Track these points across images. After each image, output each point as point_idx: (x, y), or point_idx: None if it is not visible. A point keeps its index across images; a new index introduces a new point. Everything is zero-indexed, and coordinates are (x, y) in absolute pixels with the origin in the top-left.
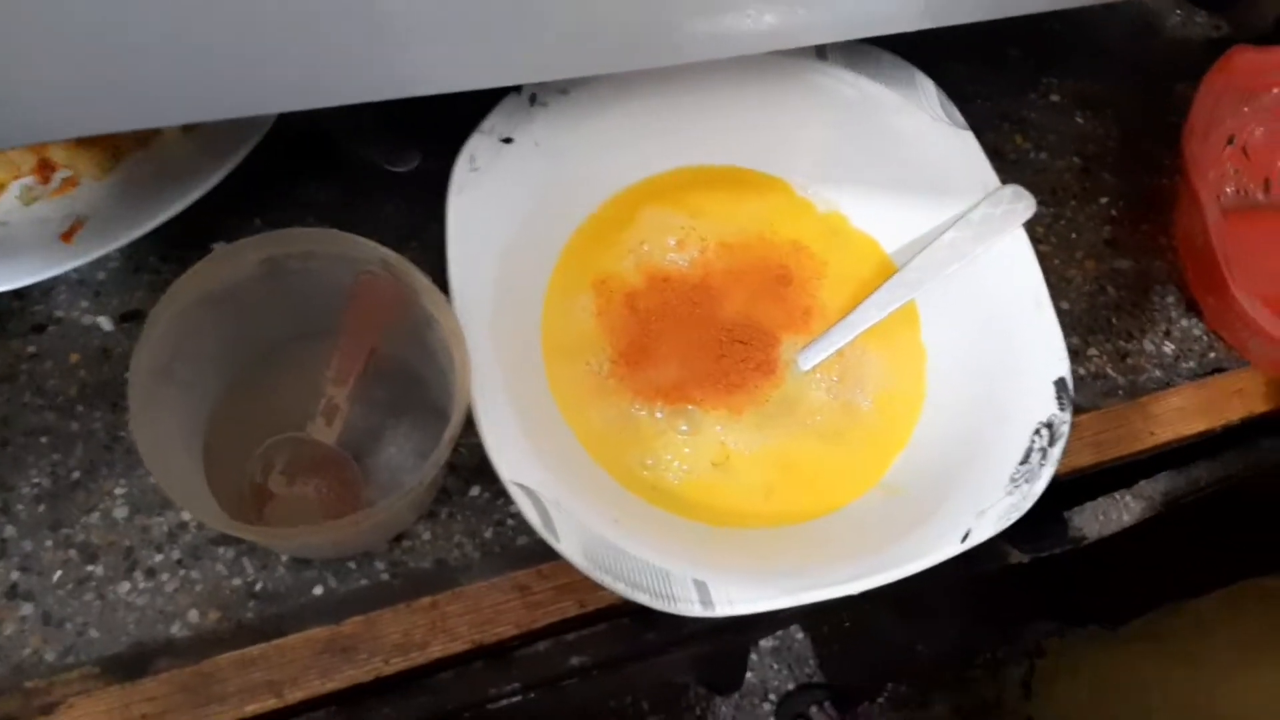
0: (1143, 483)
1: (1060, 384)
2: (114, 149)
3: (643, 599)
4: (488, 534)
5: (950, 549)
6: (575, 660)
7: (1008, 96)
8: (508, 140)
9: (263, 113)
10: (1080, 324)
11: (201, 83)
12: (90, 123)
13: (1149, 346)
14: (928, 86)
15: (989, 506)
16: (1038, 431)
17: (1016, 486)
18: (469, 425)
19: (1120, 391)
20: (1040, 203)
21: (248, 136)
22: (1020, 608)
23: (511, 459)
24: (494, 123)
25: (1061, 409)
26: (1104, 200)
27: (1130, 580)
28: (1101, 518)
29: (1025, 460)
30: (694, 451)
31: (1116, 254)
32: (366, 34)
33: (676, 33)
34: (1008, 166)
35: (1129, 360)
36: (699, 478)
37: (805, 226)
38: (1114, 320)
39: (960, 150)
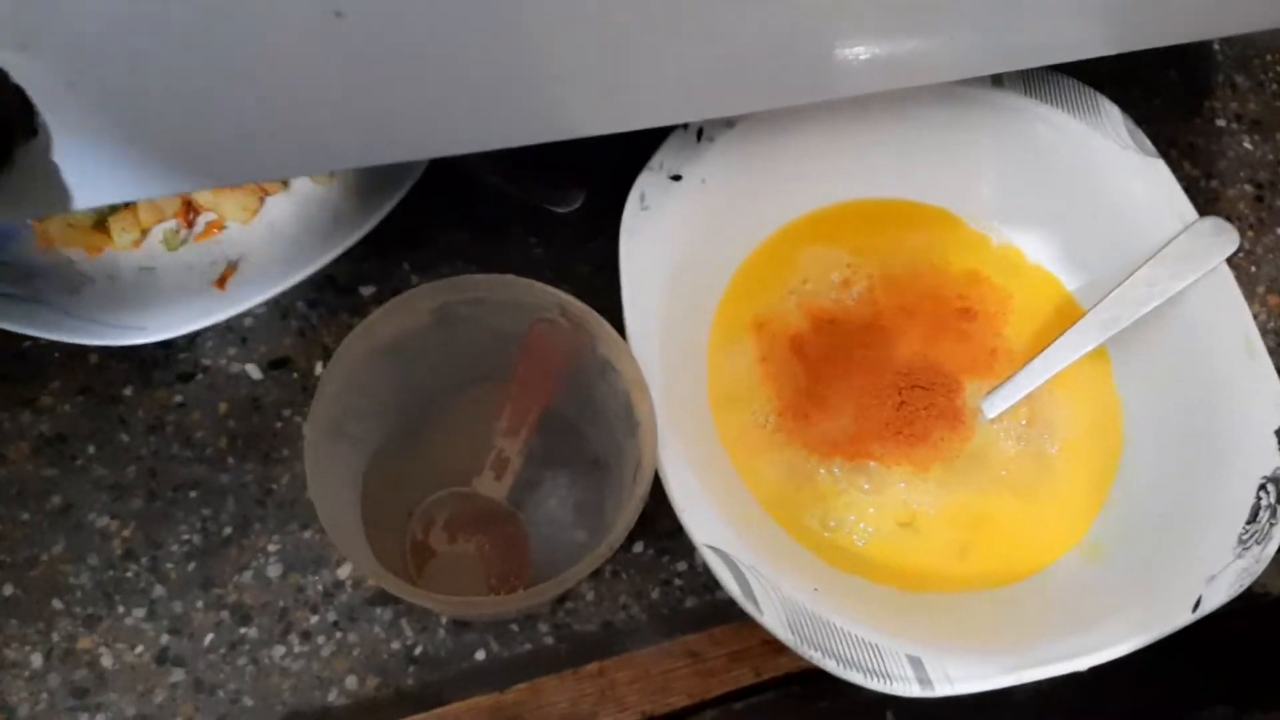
0: None
1: None
2: (259, 191)
3: (855, 678)
4: (655, 594)
5: (1181, 618)
6: None
7: (1171, 122)
8: (676, 178)
9: (425, 157)
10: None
11: (365, 129)
12: (250, 171)
13: None
14: (1113, 112)
15: (1219, 571)
16: (1263, 487)
17: (1246, 548)
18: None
19: None
20: None
21: (401, 180)
22: (1192, 686)
23: (701, 519)
24: (663, 159)
25: None
26: None
27: None
28: None
29: (1253, 519)
30: (878, 511)
31: None
32: (531, 77)
33: (846, 65)
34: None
35: None
36: (886, 539)
37: (982, 259)
38: None
39: (1151, 180)
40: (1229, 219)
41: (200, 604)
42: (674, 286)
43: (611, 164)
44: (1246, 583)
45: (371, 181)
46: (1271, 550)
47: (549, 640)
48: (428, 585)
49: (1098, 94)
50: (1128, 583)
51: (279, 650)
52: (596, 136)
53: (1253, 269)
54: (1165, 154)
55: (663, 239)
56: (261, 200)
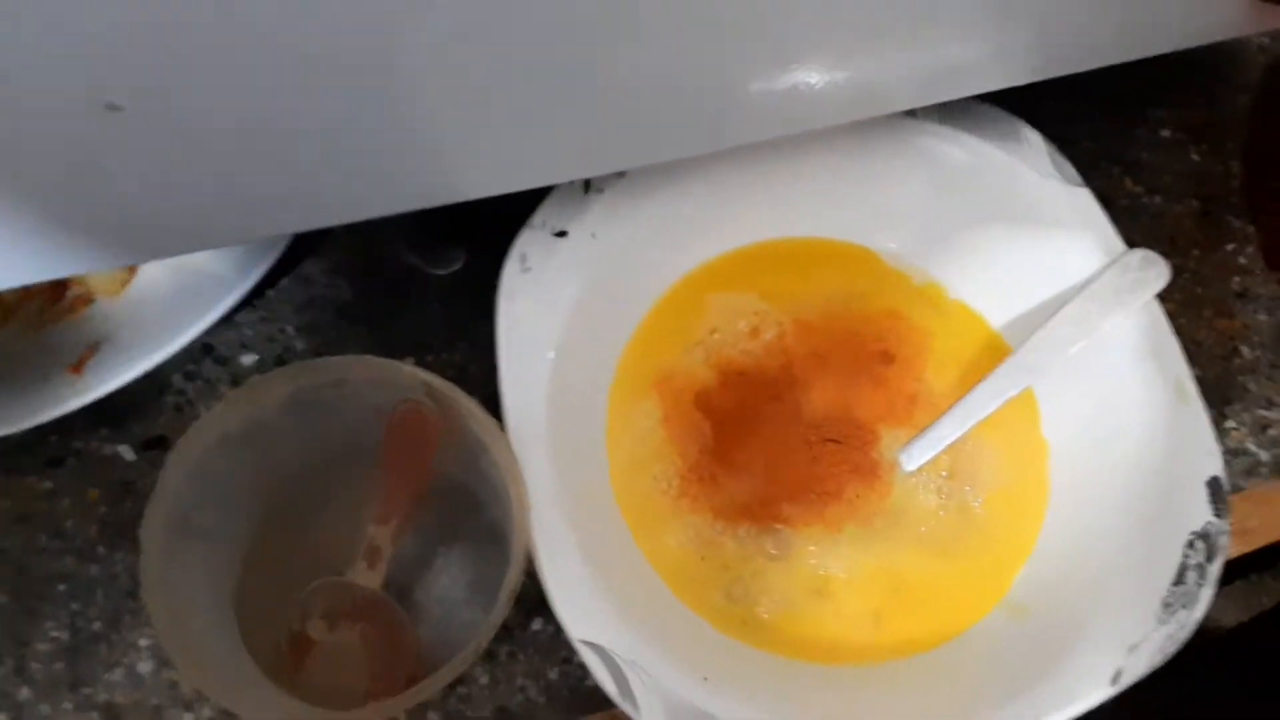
0: None
1: (1214, 485)
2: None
3: None
4: (553, 675)
5: (1099, 693)
6: None
7: (1112, 135)
8: (561, 234)
9: (293, 231)
10: (1214, 393)
11: (227, 209)
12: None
13: None
14: (1034, 139)
15: (1141, 640)
16: (1191, 544)
17: (1171, 613)
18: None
19: (1263, 469)
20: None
21: (275, 242)
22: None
23: (579, 610)
24: (545, 216)
25: (1218, 515)
26: (1230, 247)
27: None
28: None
29: (1179, 580)
30: (787, 579)
31: (1249, 308)
32: (402, 145)
33: (747, 111)
34: (1119, 214)
35: (1270, 431)
36: (796, 609)
37: (901, 298)
38: (1251, 386)
39: (1075, 210)
40: (1174, 238)
41: (69, 705)
42: (566, 349)
43: (505, 217)
44: (1171, 651)
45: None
46: (1198, 616)
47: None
48: (309, 678)
49: (1017, 120)
50: (1046, 648)
51: None
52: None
53: (1198, 290)
54: (1106, 170)
55: (549, 299)
56: (133, 271)
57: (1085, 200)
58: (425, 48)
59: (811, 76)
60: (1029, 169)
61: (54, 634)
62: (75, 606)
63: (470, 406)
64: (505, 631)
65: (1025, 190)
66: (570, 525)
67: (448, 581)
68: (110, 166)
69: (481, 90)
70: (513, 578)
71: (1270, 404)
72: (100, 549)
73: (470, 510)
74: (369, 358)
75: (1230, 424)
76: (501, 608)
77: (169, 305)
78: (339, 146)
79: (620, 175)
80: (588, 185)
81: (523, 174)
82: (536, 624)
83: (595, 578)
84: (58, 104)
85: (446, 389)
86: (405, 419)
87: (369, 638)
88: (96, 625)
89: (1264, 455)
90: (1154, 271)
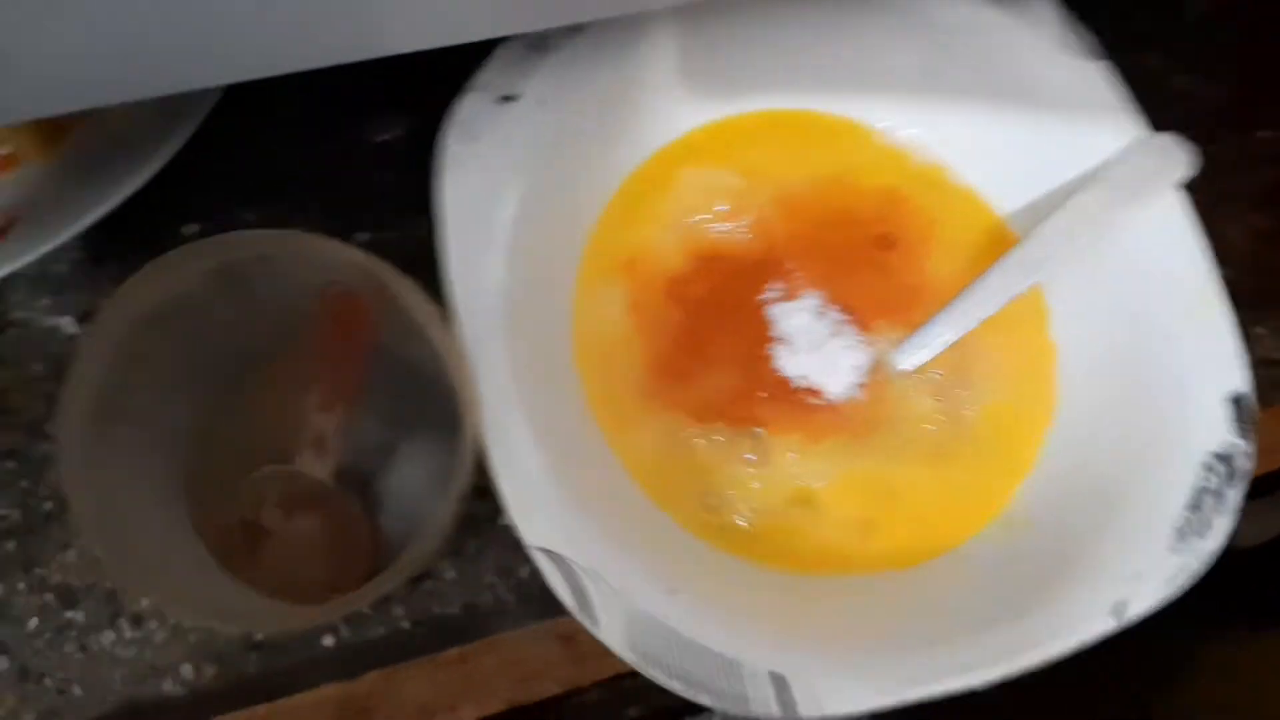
0: None
1: (1238, 402)
2: (57, 124)
3: (705, 700)
4: (524, 573)
5: (1099, 625)
6: (632, 712)
7: (1133, 4)
8: (508, 98)
9: (212, 83)
10: (1243, 296)
11: (145, 56)
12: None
13: None
14: (1045, 4)
15: (1148, 568)
16: (1209, 466)
17: (1184, 541)
18: None
19: None
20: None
21: (204, 100)
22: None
23: (536, 513)
24: (489, 77)
25: (1241, 435)
26: (1266, 134)
27: None
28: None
29: (1195, 506)
30: (765, 486)
31: None
32: None
33: None
34: (1137, 94)
35: None
36: (776, 519)
37: (901, 177)
38: None
39: (1092, 87)
40: (1201, 121)
41: (22, 586)
42: (525, 230)
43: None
44: (1183, 584)
45: (178, 100)
46: (1213, 546)
47: (406, 625)
48: (264, 566)
49: None
50: (1045, 568)
51: (108, 636)
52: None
53: (1229, 180)
54: (1132, 47)
55: (498, 172)
56: (61, 132)
57: (1103, 76)
58: None
59: None
60: (1040, 39)
61: (3, 512)
62: (25, 484)
63: (405, 289)
64: (473, 525)
65: (1034, 63)
66: (529, 422)
67: (409, 471)
68: None
69: None
70: (460, 479)
71: None
72: (48, 426)
73: (431, 395)
74: (295, 232)
75: (1260, 330)
76: (447, 510)
77: (101, 167)
78: None
79: (576, 30)
80: (537, 43)
81: (457, 24)
82: (506, 519)
83: (556, 479)
84: None
85: (378, 270)
86: (336, 302)
87: (326, 528)
88: (48, 505)
89: None
90: (1177, 157)
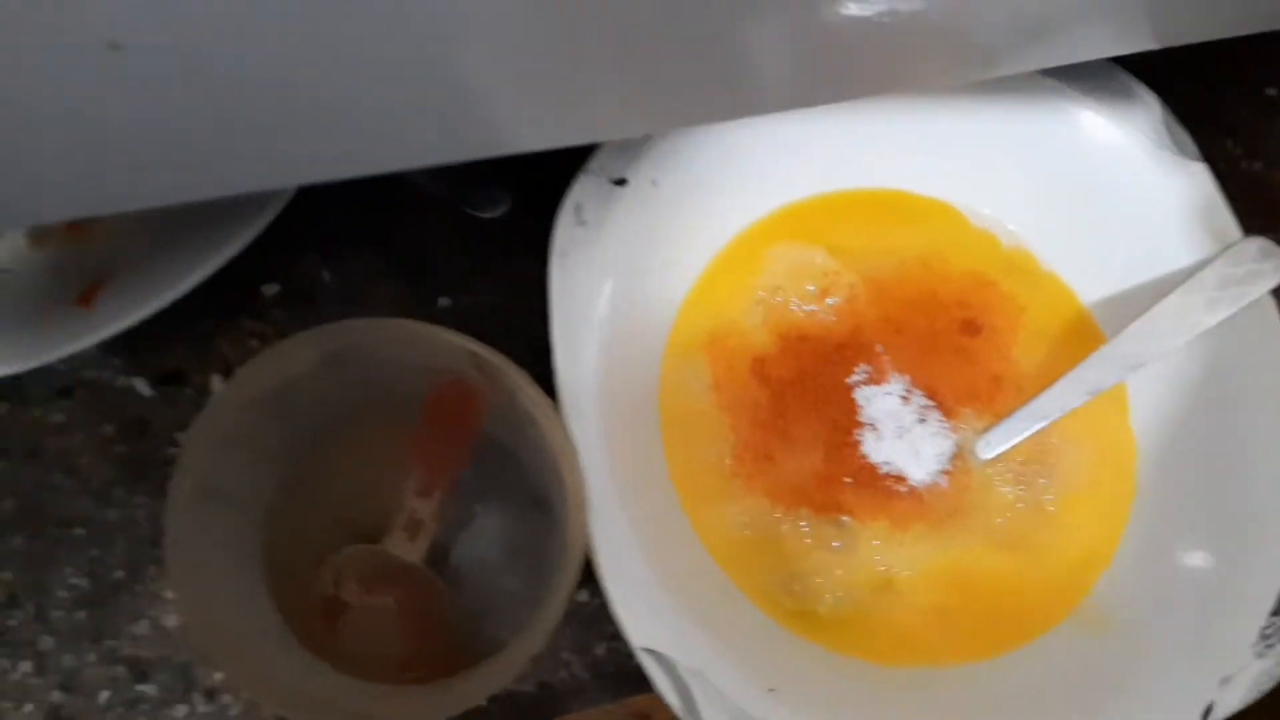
0: None
1: None
2: None
3: None
4: (599, 650)
5: None
6: None
7: (1206, 91)
8: (620, 182)
9: (318, 180)
10: None
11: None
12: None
13: None
14: (1151, 103)
15: (1236, 671)
16: None
17: (1269, 646)
18: None
19: None
20: (1259, 228)
21: None
22: None
23: (641, 613)
24: (603, 161)
25: None
26: None
27: None
28: None
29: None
30: (848, 574)
31: None
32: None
33: (845, 72)
34: (1233, 196)
35: None
36: (858, 606)
37: (988, 261)
38: None
39: (1189, 188)
40: (1277, 208)
41: (93, 657)
42: (619, 310)
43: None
44: (1266, 687)
45: None
46: None
47: (482, 702)
48: (341, 639)
49: (1133, 79)
50: (1124, 666)
51: (181, 710)
52: None
53: None
54: (1199, 128)
55: (603, 257)
56: None
57: (1201, 178)
58: None
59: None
60: (1140, 135)
61: (73, 580)
62: (94, 553)
63: (521, 381)
64: None
65: (1133, 159)
66: (627, 515)
67: (485, 544)
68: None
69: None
70: (569, 577)
71: None
72: (118, 491)
73: (512, 469)
74: (409, 322)
75: None
76: (557, 609)
77: (180, 232)
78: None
79: None
80: None
81: (576, 128)
82: (582, 596)
83: (655, 576)
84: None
85: (496, 361)
86: (449, 392)
87: (404, 606)
88: (118, 574)
89: None
90: (1271, 264)
